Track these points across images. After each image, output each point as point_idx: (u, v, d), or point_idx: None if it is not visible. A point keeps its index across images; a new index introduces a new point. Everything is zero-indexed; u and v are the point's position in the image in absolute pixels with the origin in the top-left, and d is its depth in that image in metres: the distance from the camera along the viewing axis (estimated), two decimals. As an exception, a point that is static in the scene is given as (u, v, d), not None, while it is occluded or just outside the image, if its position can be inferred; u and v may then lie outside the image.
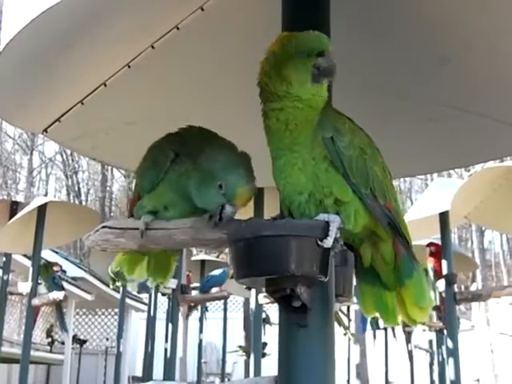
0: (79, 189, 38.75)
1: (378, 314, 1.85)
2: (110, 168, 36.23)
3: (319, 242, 1.61)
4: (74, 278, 14.42)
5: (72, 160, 37.80)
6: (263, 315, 12.55)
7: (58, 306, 8.27)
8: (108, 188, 39.02)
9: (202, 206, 1.88)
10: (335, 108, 1.85)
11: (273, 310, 13.96)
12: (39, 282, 7.23)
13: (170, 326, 8.19)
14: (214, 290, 9.48)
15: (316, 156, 1.71)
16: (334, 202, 1.70)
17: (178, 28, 2.54)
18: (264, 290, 1.78)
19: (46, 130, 2.71)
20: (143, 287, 11.26)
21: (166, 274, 2.24)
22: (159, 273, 2.23)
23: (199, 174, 1.85)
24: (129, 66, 2.62)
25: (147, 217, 1.99)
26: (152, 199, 2.06)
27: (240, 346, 14.30)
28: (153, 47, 2.57)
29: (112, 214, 37.18)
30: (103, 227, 2.01)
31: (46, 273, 7.83)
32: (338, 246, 1.69)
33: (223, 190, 1.76)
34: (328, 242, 1.62)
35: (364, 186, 1.73)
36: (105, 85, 2.64)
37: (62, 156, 37.94)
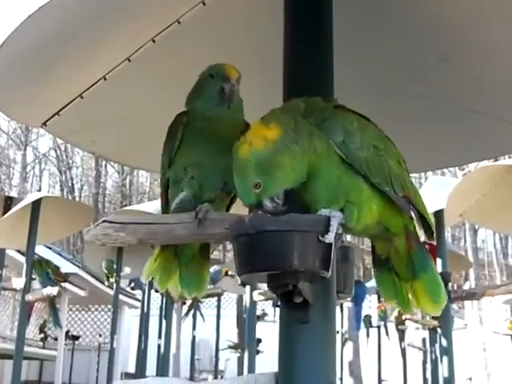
0: (73, 185, 38.64)
1: (396, 302, 1.86)
2: (103, 164, 36.22)
3: (320, 238, 1.60)
4: (67, 274, 14.37)
5: (66, 156, 37.72)
6: (261, 311, 12.59)
7: (52, 302, 8.23)
8: (102, 184, 38.97)
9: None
10: (337, 104, 1.83)
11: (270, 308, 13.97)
12: (33, 277, 7.22)
13: (164, 322, 8.19)
14: (208, 286, 9.47)
15: (329, 163, 1.70)
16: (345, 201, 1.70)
17: (179, 22, 2.53)
18: (259, 286, 1.78)
19: (45, 124, 2.70)
20: (137, 284, 11.27)
21: (200, 284, 2.15)
22: (193, 284, 2.15)
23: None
24: (129, 60, 2.61)
25: (205, 206, 1.92)
26: (175, 168, 2.05)
27: (229, 346, 14.31)
28: (154, 41, 2.57)
29: (106, 210, 37.11)
30: (103, 221, 2.01)
31: (40, 268, 7.80)
32: (339, 241, 1.69)
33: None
34: (329, 238, 1.61)
35: (385, 184, 1.74)
36: (105, 78, 2.63)
37: (55, 152, 37.85)
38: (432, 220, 1.87)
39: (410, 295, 1.85)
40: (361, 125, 1.78)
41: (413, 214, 1.83)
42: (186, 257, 2.14)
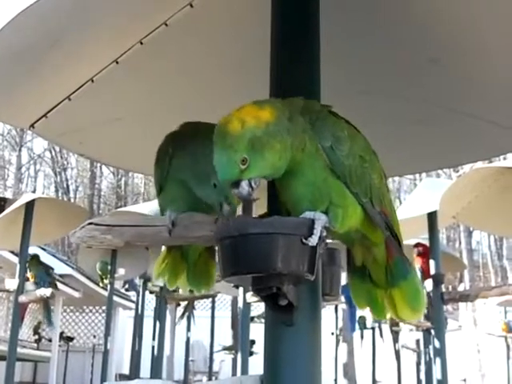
0: (68, 186, 38.66)
1: (368, 308, 1.87)
2: (98, 165, 36.24)
3: (304, 240, 1.60)
4: (61, 276, 14.37)
5: (61, 157, 37.74)
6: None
7: (46, 303, 8.24)
8: (97, 185, 38.99)
9: (203, 199, 1.93)
10: (332, 110, 1.82)
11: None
12: (28, 277, 7.23)
13: (158, 324, 8.18)
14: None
15: (315, 164, 1.69)
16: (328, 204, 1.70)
17: (166, 24, 2.52)
18: (250, 288, 1.78)
19: (32, 126, 2.69)
20: (131, 285, 11.26)
21: (208, 281, 2.21)
22: (201, 281, 2.21)
23: (195, 172, 1.89)
24: (117, 62, 2.60)
25: (172, 213, 1.98)
26: (162, 197, 2.09)
27: (224, 348, 14.31)
28: (141, 43, 2.56)
29: (100, 212, 37.11)
30: (89, 224, 2.00)
31: (36, 266, 7.82)
32: (323, 244, 1.68)
33: (218, 188, 1.78)
34: (313, 241, 1.60)
35: (363, 195, 1.73)
36: (92, 81, 2.62)
37: (50, 153, 37.88)
38: (403, 241, 1.86)
39: (385, 302, 1.86)
40: (351, 134, 1.77)
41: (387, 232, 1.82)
42: (192, 256, 2.20)
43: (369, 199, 1.74)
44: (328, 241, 1.73)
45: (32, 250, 7.61)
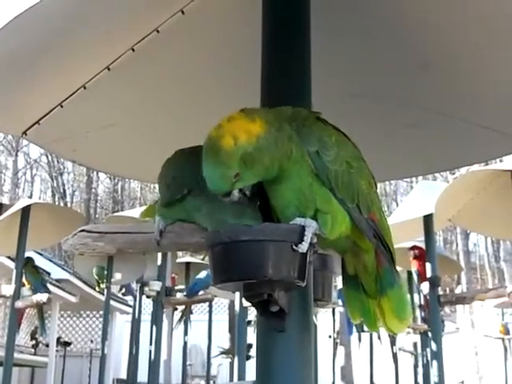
0: (64, 190, 38.58)
1: (362, 320, 1.87)
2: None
3: (294, 247, 1.60)
4: (58, 280, 14.34)
5: (57, 161, 37.66)
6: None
7: (40, 309, 8.23)
8: (93, 190, 38.94)
9: None
10: (320, 116, 1.82)
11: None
12: (27, 278, 7.22)
13: (155, 328, 8.17)
14: (199, 292, 9.46)
15: (301, 170, 1.69)
16: (315, 210, 1.70)
17: (158, 31, 2.53)
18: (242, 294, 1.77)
19: (25, 133, 2.70)
20: (128, 289, 11.24)
21: None
22: None
23: (211, 218, 1.86)
24: (108, 69, 2.61)
25: (161, 222, 1.98)
26: (163, 211, 2.04)
27: (221, 351, 14.28)
28: (133, 50, 2.57)
29: (97, 216, 37.09)
30: (81, 231, 2.00)
31: (31, 271, 7.81)
32: (313, 251, 1.68)
33: None
34: (303, 247, 1.60)
35: (350, 201, 1.72)
36: (84, 87, 2.63)
37: (47, 157, 37.79)
38: (394, 249, 1.84)
39: (377, 313, 1.86)
40: (339, 140, 1.77)
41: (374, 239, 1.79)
42: None
43: (356, 205, 1.74)
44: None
45: (28, 254, 7.59)
